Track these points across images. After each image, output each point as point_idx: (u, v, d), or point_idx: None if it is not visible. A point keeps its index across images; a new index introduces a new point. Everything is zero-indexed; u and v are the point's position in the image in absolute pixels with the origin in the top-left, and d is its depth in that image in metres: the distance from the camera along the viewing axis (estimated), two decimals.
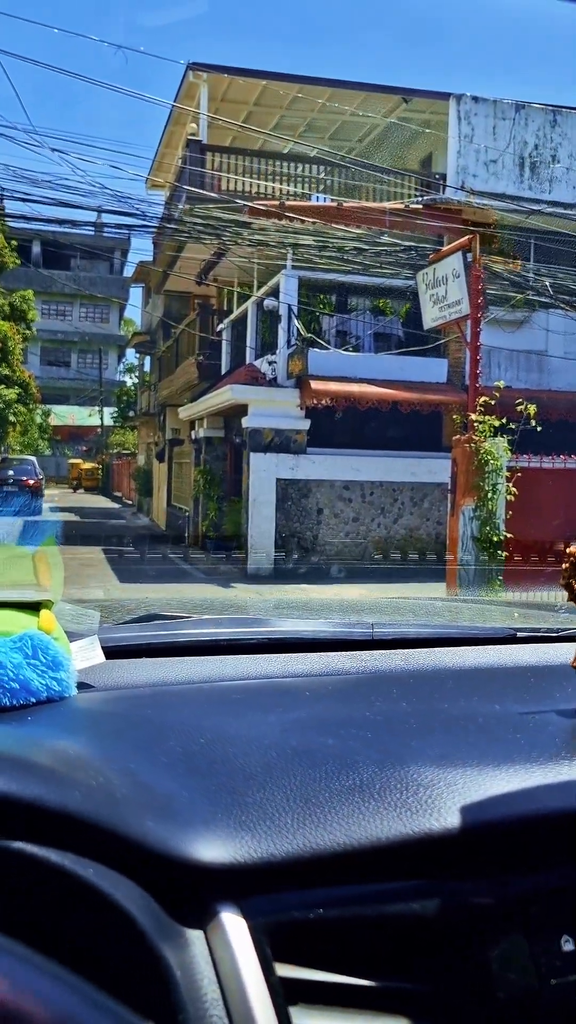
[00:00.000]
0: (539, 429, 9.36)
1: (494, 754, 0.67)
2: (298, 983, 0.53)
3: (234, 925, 0.53)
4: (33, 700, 0.81)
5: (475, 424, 9.05)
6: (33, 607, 0.90)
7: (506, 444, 9.15)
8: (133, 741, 0.71)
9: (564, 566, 0.75)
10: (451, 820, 0.58)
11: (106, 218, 12.41)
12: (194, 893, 0.54)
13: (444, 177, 13.28)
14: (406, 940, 0.56)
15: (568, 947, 0.56)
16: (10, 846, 0.48)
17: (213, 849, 0.55)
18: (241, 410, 12.21)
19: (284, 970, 0.53)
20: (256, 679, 1.00)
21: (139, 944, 0.50)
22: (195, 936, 0.53)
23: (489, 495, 9.04)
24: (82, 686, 0.89)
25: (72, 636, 0.95)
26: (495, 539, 8.95)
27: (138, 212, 11.99)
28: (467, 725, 0.76)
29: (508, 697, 0.87)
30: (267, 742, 0.70)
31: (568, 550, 0.76)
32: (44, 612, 0.90)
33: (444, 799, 0.60)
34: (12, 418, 22.32)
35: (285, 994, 0.52)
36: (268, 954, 0.53)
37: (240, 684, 0.96)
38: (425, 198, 12.98)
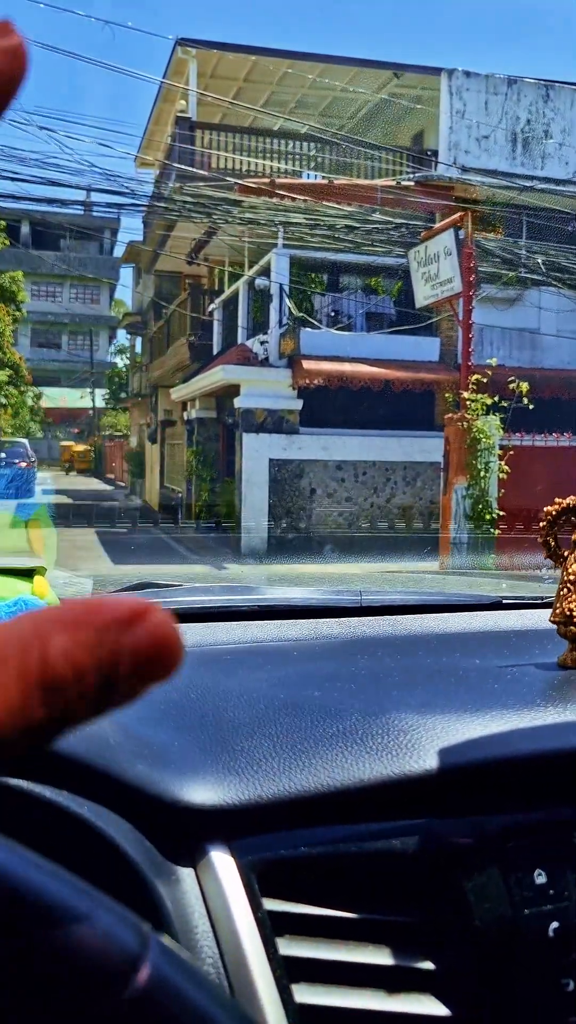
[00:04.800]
0: (532, 407, 9.38)
1: (472, 702, 0.70)
2: (285, 916, 0.56)
3: (223, 863, 0.56)
4: None
5: (467, 402, 9.07)
6: (26, 574, 0.92)
7: (498, 422, 9.17)
8: None
9: (541, 524, 0.78)
10: (430, 762, 0.61)
11: (95, 197, 12.28)
12: (184, 833, 0.57)
13: (436, 153, 13.18)
14: (387, 875, 0.58)
15: (540, 880, 0.59)
16: (7, 782, 0.51)
17: (202, 792, 0.58)
18: (233, 390, 12.19)
19: (271, 904, 0.56)
20: (245, 644, 1.02)
21: (133, 879, 0.53)
22: (186, 874, 0.56)
23: (482, 473, 9.07)
24: None
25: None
26: (488, 517, 9.00)
27: (127, 191, 11.90)
28: (448, 677, 0.79)
29: (490, 654, 0.90)
30: (255, 696, 0.73)
31: (545, 508, 0.78)
32: (37, 578, 0.92)
33: (423, 743, 0.63)
34: (3, 400, 22.22)
35: (272, 926, 0.55)
36: (256, 890, 0.55)
37: (231, 647, 0.99)
38: (417, 175, 12.90)
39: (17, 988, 0.28)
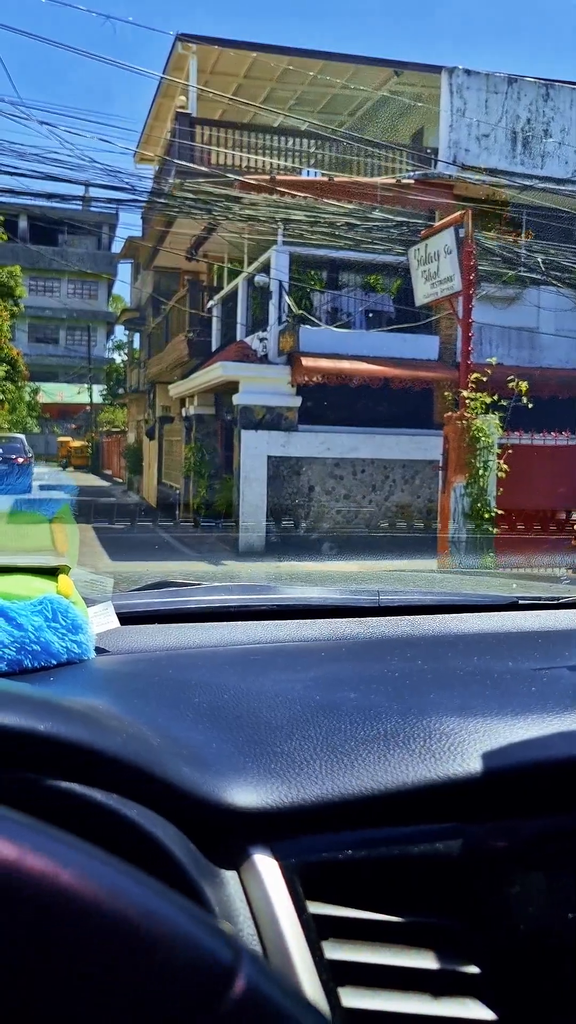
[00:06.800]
0: (530, 406, 9.39)
1: (510, 705, 0.70)
2: (329, 919, 0.55)
3: (266, 866, 0.56)
4: (53, 662, 0.83)
5: (467, 401, 9.07)
6: (50, 572, 0.91)
7: (497, 421, 9.18)
8: (157, 698, 0.73)
9: None
10: (473, 766, 0.61)
11: (94, 192, 12.29)
12: (228, 836, 0.57)
13: (436, 151, 13.17)
14: (430, 879, 0.58)
15: None
16: (59, 786, 0.50)
17: (245, 794, 0.58)
18: (232, 387, 12.18)
19: (315, 907, 0.55)
20: (268, 643, 1.02)
21: (180, 881, 0.52)
22: (230, 876, 0.55)
23: (480, 472, 9.08)
24: (98, 650, 0.91)
25: (86, 602, 0.97)
26: (486, 515, 9.01)
27: (127, 186, 11.87)
28: (483, 680, 0.79)
29: (518, 656, 0.90)
30: (291, 697, 0.72)
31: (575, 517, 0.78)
32: (62, 577, 0.91)
33: (466, 746, 0.63)
34: (1, 396, 22.19)
35: (317, 929, 0.55)
36: (300, 892, 0.55)
37: (255, 647, 0.98)
38: (417, 173, 12.89)
39: (108, 1006, 0.27)
